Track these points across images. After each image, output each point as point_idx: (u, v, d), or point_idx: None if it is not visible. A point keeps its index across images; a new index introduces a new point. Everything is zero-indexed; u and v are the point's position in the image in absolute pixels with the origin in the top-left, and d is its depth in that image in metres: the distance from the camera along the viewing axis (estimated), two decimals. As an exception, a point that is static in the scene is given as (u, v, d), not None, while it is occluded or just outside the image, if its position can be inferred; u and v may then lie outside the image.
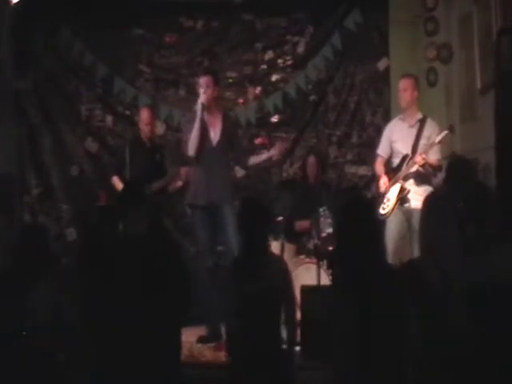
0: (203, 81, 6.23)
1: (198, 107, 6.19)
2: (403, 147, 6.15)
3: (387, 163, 6.34)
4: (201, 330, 6.24)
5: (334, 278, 3.86)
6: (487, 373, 3.52)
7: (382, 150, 6.34)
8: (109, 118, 7.88)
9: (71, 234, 7.72)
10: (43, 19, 7.62)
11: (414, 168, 6.03)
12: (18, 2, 6.87)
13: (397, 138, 6.21)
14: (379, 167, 6.35)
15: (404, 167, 6.09)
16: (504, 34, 5.39)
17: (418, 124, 6.13)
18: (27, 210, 7.70)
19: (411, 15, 7.49)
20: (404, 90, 6.15)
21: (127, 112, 7.87)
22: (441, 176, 6.08)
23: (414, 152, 6.06)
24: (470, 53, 6.51)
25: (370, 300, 3.49)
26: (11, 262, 4.36)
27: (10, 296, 4.14)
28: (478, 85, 6.30)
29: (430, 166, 5.99)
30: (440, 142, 5.97)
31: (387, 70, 7.67)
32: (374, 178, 6.95)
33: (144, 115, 7.00)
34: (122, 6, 7.58)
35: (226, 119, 6.33)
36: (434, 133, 6.12)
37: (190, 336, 5.92)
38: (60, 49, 7.77)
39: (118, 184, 6.86)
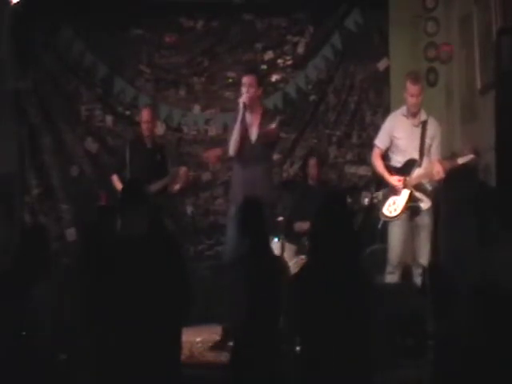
0: (246, 80, 6.12)
1: (240, 107, 6.11)
2: (409, 147, 6.06)
3: (385, 157, 6.21)
4: (201, 330, 6.25)
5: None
6: (501, 370, 3.52)
7: (382, 143, 6.21)
8: (109, 118, 7.87)
9: (71, 234, 7.71)
10: (43, 19, 7.62)
11: (425, 178, 5.95)
12: (17, 2, 6.86)
13: (401, 135, 6.10)
14: (378, 161, 6.20)
15: (414, 173, 6.00)
16: (504, 34, 5.38)
17: (422, 124, 6.08)
18: (27, 210, 7.69)
19: (411, 15, 7.49)
20: (417, 96, 6.02)
21: (127, 112, 7.86)
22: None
23: (421, 155, 6.00)
24: (470, 53, 6.51)
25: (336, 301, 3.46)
26: (11, 262, 4.36)
27: (10, 296, 4.14)
28: (478, 85, 6.30)
29: None
30: (464, 164, 5.85)
31: (387, 70, 7.67)
32: (374, 177, 6.88)
33: (143, 113, 7.01)
34: (122, 6, 7.59)
35: (264, 116, 6.21)
36: (437, 133, 6.08)
37: (190, 336, 5.92)
38: (60, 49, 7.77)
39: (117, 183, 6.86)
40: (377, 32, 7.77)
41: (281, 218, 6.87)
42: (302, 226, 7.00)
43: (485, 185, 5.34)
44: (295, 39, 7.91)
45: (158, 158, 6.97)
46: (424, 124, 6.06)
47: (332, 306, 3.43)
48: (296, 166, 7.86)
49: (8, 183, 7.19)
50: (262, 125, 6.15)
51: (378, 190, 6.27)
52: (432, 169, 5.91)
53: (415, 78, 6.12)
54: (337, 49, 7.83)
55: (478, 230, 4.10)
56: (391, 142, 6.17)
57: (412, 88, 6.04)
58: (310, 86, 7.90)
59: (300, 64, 7.90)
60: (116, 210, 6.68)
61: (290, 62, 7.94)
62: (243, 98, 6.08)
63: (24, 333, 4.05)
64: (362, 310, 3.46)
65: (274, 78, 7.93)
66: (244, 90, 6.10)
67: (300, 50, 7.93)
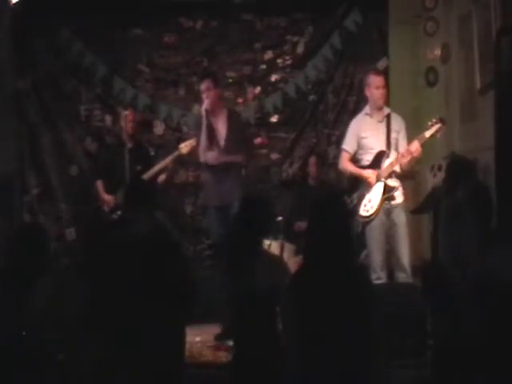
0: (204, 86, 6.27)
1: (203, 113, 6.18)
2: (375, 143, 6.03)
3: (354, 159, 6.17)
4: (200, 330, 6.25)
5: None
6: (500, 370, 3.52)
7: (349, 146, 6.15)
8: (108, 118, 7.87)
9: (71, 233, 7.72)
10: (43, 19, 7.62)
11: (397, 165, 5.92)
12: (17, 2, 6.86)
13: (367, 134, 6.06)
14: (348, 164, 6.15)
15: (384, 164, 5.97)
16: (503, 34, 5.40)
17: (386, 119, 6.06)
18: (27, 210, 7.70)
19: (411, 15, 7.50)
20: (382, 88, 6.03)
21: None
22: (440, 176, 6.08)
23: (388, 148, 5.98)
24: (470, 53, 6.51)
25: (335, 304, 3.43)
26: (11, 261, 4.35)
27: (9, 296, 4.14)
28: (478, 85, 6.30)
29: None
30: (432, 135, 5.87)
31: (387, 69, 7.67)
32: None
33: (127, 114, 6.99)
34: (121, 6, 7.58)
35: (230, 118, 6.30)
36: (401, 126, 6.07)
37: (189, 336, 5.91)
38: (59, 49, 7.78)
39: (101, 189, 6.86)
40: (376, 32, 7.79)
41: (280, 218, 6.88)
42: (301, 225, 7.00)
43: (483, 184, 5.34)
44: (295, 39, 7.93)
45: (140, 155, 6.92)
46: (388, 118, 6.06)
47: (328, 306, 3.42)
48: (295, 166, 7.87)
49: (7, 183, 7.17)
50: (230, 127, 6.20)
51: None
52: (402, 154, 5.89)
53: (377, 70, 6.17)
54: (336, 49, 7.83)
55: (477, 229, 4.10)
56: (358, 144, 6.12)
57: (376, 79, 6.06)
58: (309, 86, 7.91)
59: (299, 64, 7.91)
60: (121, 210, 6.74)
61: (289, 62, 7.95)
62: (205, 105, 6.16)
63: (24, 333, 4.04)
64: (360, 310, 3.45)
65: (274, 77, 7.95)
66: (204, 96, 6.19)
67: (299, 49, 7.94)
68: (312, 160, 7.36)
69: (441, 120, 5.87)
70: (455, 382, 3.72)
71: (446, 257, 4.96)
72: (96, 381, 4.03)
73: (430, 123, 5.89)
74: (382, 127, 6.03)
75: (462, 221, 4.42)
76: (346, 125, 7.78)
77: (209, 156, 6.26)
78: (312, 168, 7.33)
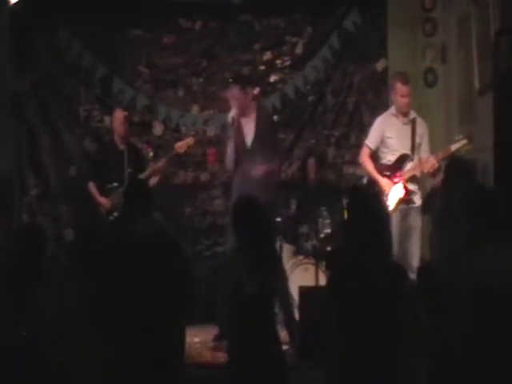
0: (230, 95, 6.15)
1: (230, 121, 6.07)
2: (399, 145, 6.13)
3: (375, 157, 6.25)
4: (199, 331, 6.25)
5: (331, 276, 3.83)
6: (491, 370, 3.53)
7: (372, 142, 6.24)
8: (107, 119, 7.85)
9: (70, 234, 7.71)
10: (42, 19, 7.62)
11: (419, 171, 6.02)
12: (16, 3, 6.86)
13: (392, 134, 6.16)
14: (368, 162, 6.22)
15: (407, 167, 6.08)
16: (502, 35, 5.41)
17: (411, 122, 6.16)
18: (26, 211, 7.68)
19: (410, 16, 7.50)
20: (408, 96, 6.13)
21: (125, 113, 7.85)
22: (440, 177, 6.09)
23: (412, 152, 6.08)
24: (469, 53, 6.52)
25: (367, 297, 3.48)
26: (10, 262, 4.35)
27: (9, 296, 4.14)
28: (477, 85, 6.32)
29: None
30: (457, 150, 5.90)
31: (385, 70, 7.68)
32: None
33: (118, 114, 6.99)
34: (120, 7, 7.58)
35: (258, 117, 6.17)
36: (425, 131, 6.19)
37: (188, 336, 5.91)
38: (59, 49, 7.76)
39: (93, 191, 6.85)
40: (375, 33, 7.78)
41: (279, 219, 6.87)
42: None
43: (482, 185, 5.35)
44: (294, 40, 7.92)
45: (132, 158, 6.90)
46: (413, 122, 6.15)
47: (365, 296, 3.47)
48: (294, 167, 7.86)
49: (6, 183, 7.17)
50: (257, 127, 6.12)
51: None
52: (425, 161, 5.96)
53: (405, 78, 6.19)
54: (335, 49, 7.83)
55: (472, 230, 4.10)
56: (382, 142, 6.21)
57: (403, 89, 6.14)
58: (308, 87, 7.90)
59: (298, 64, 7.91)
60: (121, 211, 6.73)
61: (288, 63, 7.95)
62: (232, 113, 6.06)
63: (24, 333, 4.05)
64: (395, 302, 3.51)
65: (273, 78, 7.94)
66: (230, 103, 6.11)
67: (298, 50, 7.94)
68: (311, 161, 7.37)
69: (468, 137, 5.92)
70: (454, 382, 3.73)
71: (439, 256, 4.99)
72: (96, 381, 4.04)
73: (456, 138, 5.99)
74: (407, 130, 6.14)
75: (456, 221, 4.43)
76: (345, 125, 7.89)
77: (253, 172, 5.98)
78: (311, 169, 7.34)
